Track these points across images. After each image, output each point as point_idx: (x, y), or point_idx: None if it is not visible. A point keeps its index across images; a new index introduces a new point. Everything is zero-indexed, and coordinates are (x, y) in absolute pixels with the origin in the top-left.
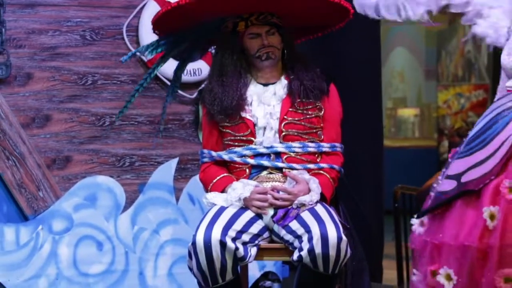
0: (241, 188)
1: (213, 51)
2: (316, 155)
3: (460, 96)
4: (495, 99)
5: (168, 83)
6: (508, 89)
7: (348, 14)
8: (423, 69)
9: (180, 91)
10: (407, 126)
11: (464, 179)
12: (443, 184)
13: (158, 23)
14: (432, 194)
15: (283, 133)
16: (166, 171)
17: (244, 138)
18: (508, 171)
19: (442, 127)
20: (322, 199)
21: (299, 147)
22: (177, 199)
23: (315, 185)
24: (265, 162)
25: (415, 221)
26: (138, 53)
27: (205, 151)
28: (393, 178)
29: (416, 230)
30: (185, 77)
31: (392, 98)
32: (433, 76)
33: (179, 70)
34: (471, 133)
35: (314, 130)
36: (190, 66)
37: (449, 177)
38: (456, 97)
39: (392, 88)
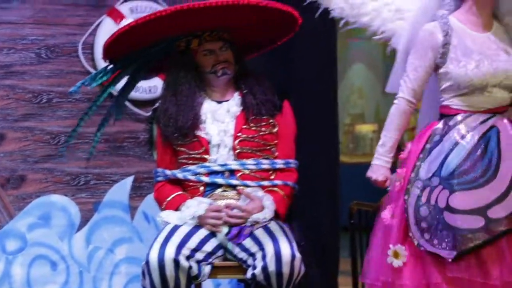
0: (195, 206)
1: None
2: (270, 172)
3: (417, 112)
4: (453, 123)
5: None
6: (464, 108)
7: (296, 24)
8: (381, 84)
9: (135, 109)
10: (365, 142)
11: (492, 214)
12: (464, 220)
13: (109, 49)
14: (446, 232)
15: (237, 151)
16: (121, 190)
17: (198, 156)
18: None
19: (400, 143)
20: (276, 216)
21: (253, 164)
22: (132, 217)
23: (269, 202)
24: (219, 180)
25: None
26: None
27: (159, 170)
28: (350, 194)
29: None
30: (141, 95)
31: (351, 114)
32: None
33: (127, 88)
34: (453, 164)
35: (268, 147)
36: (146, 84)
37: (466, 212)
38: (413, 113)
39: (350, 104)
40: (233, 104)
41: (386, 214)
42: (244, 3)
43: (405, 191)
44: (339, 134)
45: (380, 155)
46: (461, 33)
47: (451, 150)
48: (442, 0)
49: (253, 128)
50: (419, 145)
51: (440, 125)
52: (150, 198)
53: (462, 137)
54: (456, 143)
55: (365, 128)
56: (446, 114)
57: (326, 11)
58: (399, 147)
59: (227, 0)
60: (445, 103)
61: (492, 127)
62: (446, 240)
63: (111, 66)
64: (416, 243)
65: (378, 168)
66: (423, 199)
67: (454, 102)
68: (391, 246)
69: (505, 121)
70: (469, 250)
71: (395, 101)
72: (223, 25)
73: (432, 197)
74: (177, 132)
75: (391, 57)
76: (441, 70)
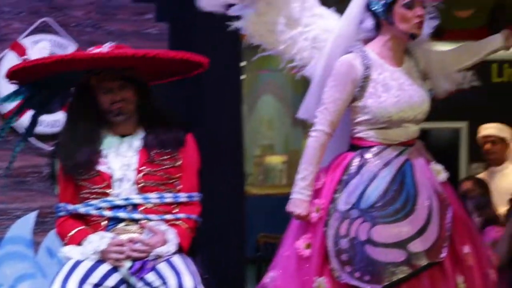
0: (97, 240)
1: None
2: (174, 206)
3: None
4: (369, 156)
5: None
6: (379, 141)
7: (202, 65)
8: (290, 116)
9: (39, 143)
10: (275, 174)
11: (411, 248)
12: (387, 254)
13: (14, 75)
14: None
15: (140, 185)
16: (24, 225)
17: (100, 190)
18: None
19: None
20: (180, 249)
21: (156, 198)
22: (36, 253)
23: (172, 235)
24: (122, 214)
25: None
26: None
27: (61, 204)
28: (260, 226)
29: None
30: (44, 129)
31: (260, 146)
32: (300, 123)
33: (33, 120)
34: (373, 197)
35: (171, 181)
36: (49, 118)
37: (388, 245)
38: None
39: (260, 135)
40: (136, 138)
41: (300, 244)
42: (129, 55)
43: (324, 222)
44: (248, 166)
45: (302, 189)
46: (380, 67)
47: (370, 182)
48: (359, 30)
49: (156, 162)
50: (334, 176)
51: (356, 157)
52: (53, 233)
53: (380, 170)
54: (375, 176)
55: (275, 160)
56: (360, 146)
57: (232, 44)
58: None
59: (114, 52)
60: (359, 135)
61: (406, 160)
62: (368, 273)
63: (19, 91)
64: (336, 275)
65: (301, 203)
66: (342, 231)
67: (369, 135)
68: (315, 278)
69: (418, 154)
70: (392, 284)
71: (313, 134)
72: (122, 65)
73: (352, 230)
74: (77, 167)
75: (300, 88)
76: (358, 103)
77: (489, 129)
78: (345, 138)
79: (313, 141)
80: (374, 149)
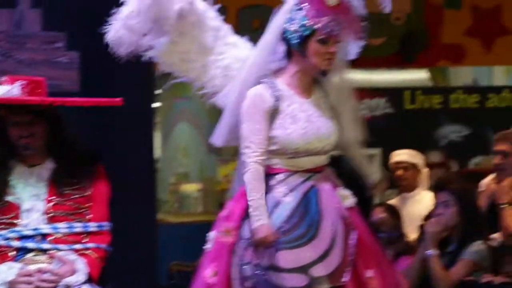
0: (5, 271)
1: None
2: (83, 235)
3: None
4: (274, 182)
5: None
6: (285, 168)
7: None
8: (205, 143)
9: None
10: (190, 201)
11: (313, 272)
12: (288, 279)
13: None
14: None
15: (50, 215)
16: None
17: (8, 221)
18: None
19: (224, 201)
20: (90, 279)
21: (65, 228)
22: None
23: (81, 265)
24: (30, 244)
25: None
26: None
27: None
28: (175, 254)
29: None
30: None
31: (176, 174)
32: (215, 150)
33: None
34: (276, 223)
35: (81, 210)
36: None
37: (290, 270)
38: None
39: (176, 163)
40: (46, 168)
41: (208, 273)
42: (36, 102)
43: (230, 249)
44: (163, 194)
45: (262, 215)
46: (289, 98)
47: (274, 209)
48: (272, 59)
49: (66, 192)
50: (241, 204)
51: None
52: None
53: (284, 196)
54: (279, 203)
55: (190, 187)
56: (267, 174)
57: (145, 72)
58: None
59: (20, 100)
60: (267, 163)
61: (312, 186)
62: None
63: None
64: None
65: (267, 227)
66: (247, 258)
67: (275, 162)
68: None
69: (325, 180)
70: None
71: (247, 170)
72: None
73: (255, 256)
74: None
75: (215, 116)
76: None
77: (400, 155)
78: None
79: (250, 175)
80: (280, 176)
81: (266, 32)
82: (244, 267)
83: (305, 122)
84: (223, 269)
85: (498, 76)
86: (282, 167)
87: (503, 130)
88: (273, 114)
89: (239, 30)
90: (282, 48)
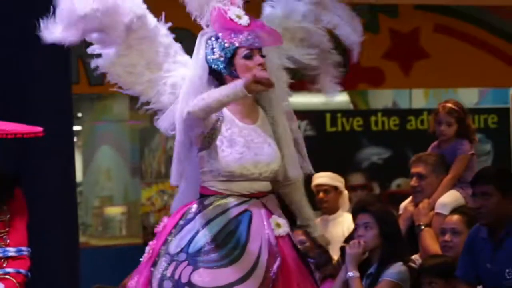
0: None
1: None
2: (2, 260)
3: (163, 193)
4: (207, 203)
5: None
6: (221, 191)
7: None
8: (128, 166)
9: None
10: (114, 225)
11: None
12: None
13: None
14: None
15: None
16: None
17: None
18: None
19: (147, 224)
20: None
21: None
22: None
23: None
24: None
25: None
26: None
27: None
28: (99, 277)
29: None
30: None
31: (99, 197)
32: (138, 173)
33: None
34: (201, 242)
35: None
36: None
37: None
38: (160, 194)
39: (99, 186)
40: None
41: (132, 284)
42: None
43: (153, 263)
44: (87, 217)
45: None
46: (230, 122)
47: (202, 228)
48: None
49: None
50: (174, 220)
51: (195, 204)
52: None
53: (216, 217)
54: (208, 222)
55: (114, 211)
56: (203, 194)
57: (64, 94)
58: None
59: None
60: (204, 184)
61: (245, 210)
62: None
63: None
64: None
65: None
66: (168, 273)
67: (212, 184)
68: None
69: (260, 206)
70: None
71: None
72: None
73: (176, 272)
74: None
75: (136, 139)
76: (204, 154)
77: (321, 178)
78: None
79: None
80: (214, 198)
81: (192, 62)
82: (165, 281)
83: (242, 147)
84: (143, 280)
85: (417, 98)
86: (218, 190)
87: (422, 152)
88: (212, 135)
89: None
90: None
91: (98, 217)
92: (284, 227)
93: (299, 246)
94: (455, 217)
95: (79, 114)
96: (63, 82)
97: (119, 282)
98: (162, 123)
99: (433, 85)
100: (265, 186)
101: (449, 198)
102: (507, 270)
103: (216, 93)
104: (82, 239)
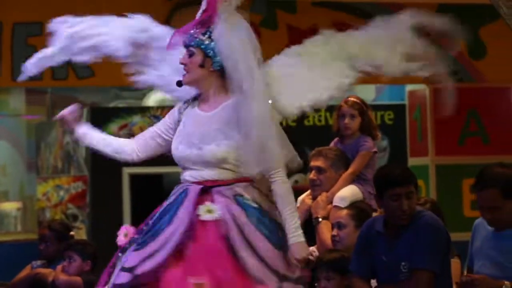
0: None
1: None
2: None
3: (59, 188)
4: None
5: None
6: (181, 180)
7: None
8: (24, 161)
9: None
10: (9, 220)
11: (138, 271)
12: (119, 277)
13: None
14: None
15: None
16: None
17: None
18: (185, 265)
19: (43, 219)
20: None
21: None
22: None
23: None
24: None
25: None
26: None
27: None
28: None
29: None
30: None
31: None
32: (34, 168)
33: None
34: (146, 227)
35: None
36: None
37: (124, 269)
38: (56, 189)
39: None
40: None
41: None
42: None
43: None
44: None
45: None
46: (189, 112)
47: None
48: None
49: None
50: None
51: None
52: None
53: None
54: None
55: (9, 206)
56: None
57: None
58: None
59: None
60: None
61: (180, 194)
62: None
63: None
64: None
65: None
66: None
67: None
68: None
69: (197, 191)
70: None
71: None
72: None
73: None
74: None
75: (33, 134)
76: None
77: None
78: None
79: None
80: (175, 188)
81: None
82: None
83: (184, 136)
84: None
85: None
86: (181, 179)
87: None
88: (177, 125)
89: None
90: None
91: None
92: (214, 214)
93: None
94: (343, 211)
95: None
96: None
97: (13, 277)
98: None
99: None
100: (216, 174)
101: (348, 192)
102: (403, 263)
103: None
104: None
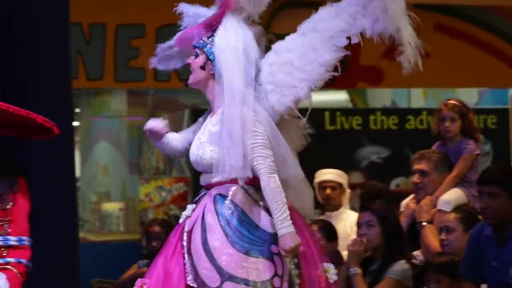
0: None
1: None
2: (3, 249)
3: (161, 189)
4: None
5: None
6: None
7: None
8: (126, 162)
9: None
10: (112, 220)
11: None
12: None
13: None
14: None
15: None
16: None
17: None
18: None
19: (145, 220)
20: None
21: None
22: None
23: (2, 280)
24: None
25: None
26: None
27: None
28: (96, 272)
29: None
30: None
31: (97, 192)
32: (136, 169)
33: None
34: None
35: (1, 223)
36: None
37: None
38: (158, 190)
39: (96, 182)
40: None
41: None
42: None
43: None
44: (85, 213)
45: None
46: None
47: None
48: None
49: None
50: None
51: None
52: None
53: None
54: None
55: (111, 206)
56: None
57: (63, 90)
58: None
59: None
60: None
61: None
62: None
63: None
64: None
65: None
66: None
67: None
68: None
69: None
70: None
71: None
72: None
73: None
74: None
75: (134, 134)
76: None
77: (328, 174)
78: None
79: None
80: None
81: None
82: None
83: (195, 141)
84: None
85: (416, 98)
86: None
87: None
88: None
89: None
90: None
91: (95, 212)
92: (188, 212)
93: None
94: (450, 215)
95: (77, 110)
96: (63, 77)
97: (116, 276)
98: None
99: (432, 84)
100: (211, 177)
101: (452, 195)
102: (511, 269)
103: None
104: (79, 234)
